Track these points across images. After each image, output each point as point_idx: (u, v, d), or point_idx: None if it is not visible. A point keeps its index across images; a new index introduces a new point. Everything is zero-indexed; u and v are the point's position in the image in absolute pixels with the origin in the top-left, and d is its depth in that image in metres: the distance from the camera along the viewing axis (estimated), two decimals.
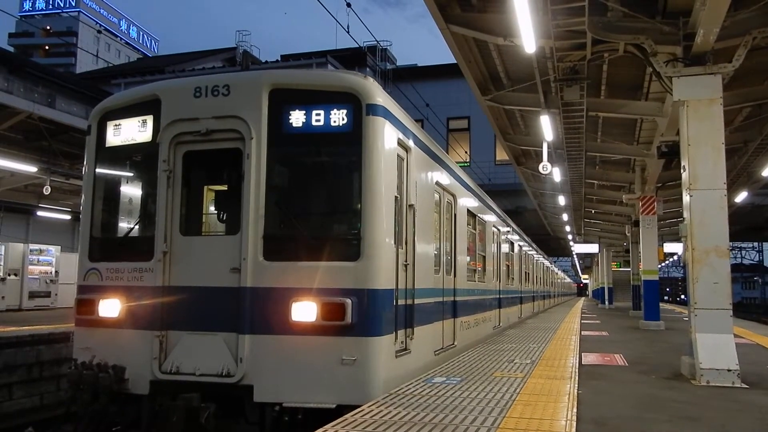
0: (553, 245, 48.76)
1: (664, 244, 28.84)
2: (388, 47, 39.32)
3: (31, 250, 20.77)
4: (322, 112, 5.97)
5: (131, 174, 7.09)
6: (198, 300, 5.99)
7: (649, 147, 14.55)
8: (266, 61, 35.16)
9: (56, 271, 21.23)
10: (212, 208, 6.92)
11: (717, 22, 6.97)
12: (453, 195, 9.45)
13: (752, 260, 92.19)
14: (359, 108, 5.91)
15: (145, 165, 6.64)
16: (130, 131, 6.64)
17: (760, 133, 13.03)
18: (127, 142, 6.66)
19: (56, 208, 22.46)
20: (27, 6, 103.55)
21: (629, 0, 8.35)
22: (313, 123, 5.98)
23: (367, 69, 33.34)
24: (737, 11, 7.88)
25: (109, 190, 7.01)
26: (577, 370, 7.75)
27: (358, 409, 5.11)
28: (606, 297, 38.08)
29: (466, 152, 32.67)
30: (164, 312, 6.03)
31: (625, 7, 8.28)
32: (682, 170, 7.71)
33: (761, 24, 7.96)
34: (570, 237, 38.11)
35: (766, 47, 9.23)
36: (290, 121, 6.03)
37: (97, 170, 6.86)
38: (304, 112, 6.01)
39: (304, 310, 5.63)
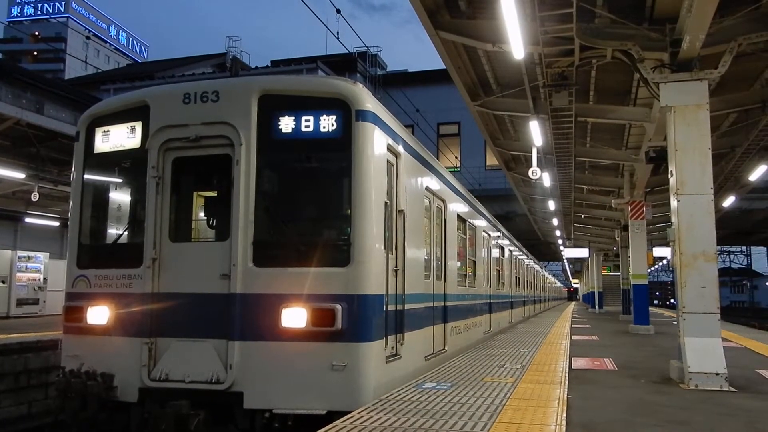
0: (543, 250, 49.00)
1: (653, 249, 28.97)
2: (379, 53, 39.47)
3: (19, 257, 20.57)
4: (311, 118, 5.98)
5: (120, 180, 7.06)
6: (187, 306, 5.96)
7: (638, 152, 14.64)
8: (256, 67, 35.12)
9: (45, 278, 21.04)
10: (202, 214, 6.90)
11: (703, 29, 7.04)
12: (443, 200, 9.47)
13: (740, 264, 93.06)
14: (349, 114, 5.92)
15: (133, 171, 6.60)
16: (119, 137, 6.62)
17: (746, 138, 13.13)
18: (116, 149, 6.64)
19: (45, 215, 22.31)
20: (15, 11, 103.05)
21: (617, 6, 8.43)
22: (303, 129, 5.99)
23: (358, 75, 33.40)
24: (723, 18, 7.96)
25: (98, 197, 6.98)
26: (566, 375, 7.77)
27: (349, 415, 5.10)
28: (596, 301, 38.22)
29: (456, 157, 32.76)
30: (153, 319, 6.01)
31: (613, 14, 8.35)
32: (669, 175, 7.77)
33: (746, 31, 8.06)
34: (560, 241, 38.25)
35: (752, 53, 9.35)
36: (280, 127, 6.03)
37: (86, 177, 6.83)
38: (293, 117, 6.01)
39: (294, 316, 5.62)
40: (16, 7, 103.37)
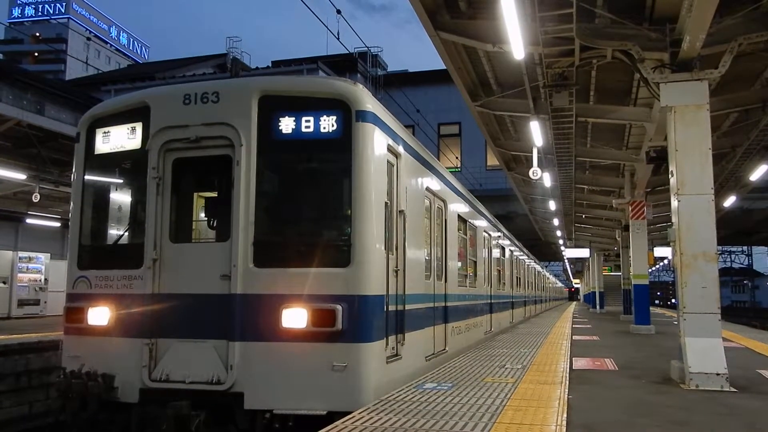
0: (544, 250, 48.95)
1: (654, 249, 28.97)
2: (379, 53, 39.47)
3: (20, 258, 20.61)
4: (311, 118, 5.98)
5: (120, 181, 7.07)
6: (188, 307, 5.97)
7: (638, 152, 14.64)
8: (257, 68, 35.12)
9: (45, 279, 21.07)
10: (202, 215, 6.91)
11: (703, 29, 7.04)
12: (443, 200, 9.47)
13: (741, 264, 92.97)
14: (349, 114, 5.93)
15: (134, 172, 6.62)
16: (119, 138, 6.63)
17: (747, 138, 13.12)
18: (116, 150, 6.65)
19: (46, 216, 22.33)
20: (16, 13, 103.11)
21: (617, 7, 8.43)
22: (303, 129, 5.99)
23: (358, 75, 33.41)
24: (723, 18, 7.95)
25: (98, 198, 6.99)
26: (567, 375, 7.77)
27: (349, 416, 5.10)
28: (597, 301, 38.20)
29: (457, 158, 32.76)
30: (154, 319, 6.01)
31: (613, 14, 8.35)
32: (670, 175, 7.76)
33: (746, 30, 8.05)
34: (561, 242, 38.23)
35: (752, 53, 9.34)
36: (280, 128, 6.04)
37: (86, 178, 6.84)
38: (293, 118, 6.02)
39: (295, 317, 5.63)
40: (16, 8, 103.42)
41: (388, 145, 6.53)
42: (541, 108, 12.32)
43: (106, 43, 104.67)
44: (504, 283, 18.09)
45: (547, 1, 8.43)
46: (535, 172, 15.76)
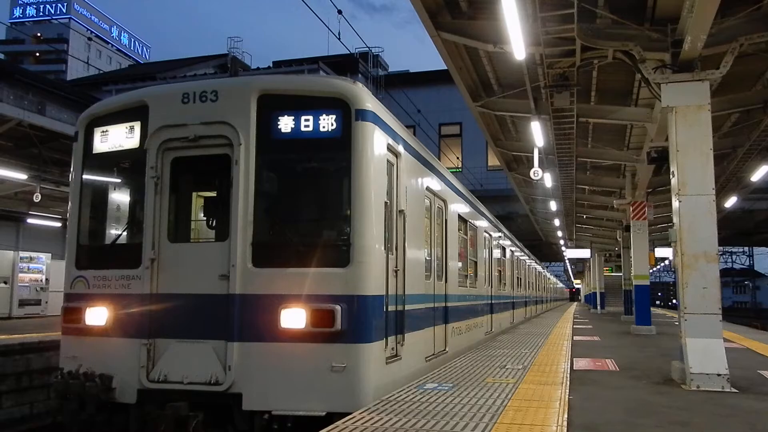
0: (545, 250, 48.94)
1: (655, 249, 28.92)
2: (380, 53, 39.49)
3: (21, 258, 20.62)
4: (311, 117, 5.96)
5: (119, 181, 7.04)
6: (186, 307, 5.94)
7: (639, 153, 14.61)
8: (258, 68, 35.14)
9: (47, 279, 21.08)
10: (201, 215, 6.88)
11: (704, 29, 7.01)
12: (444, 200, 9.45)
13: (743, 264, 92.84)
14: (348, 113, 5.90)
15: (132, 171, 6.58)
16: (118, 137, 6.61)
17: (748, 139, 13.08)
18: (115, 149, 6.62)
19: (47, 216, 22.31)
20: (17, 13, 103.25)
21: (618, 7, 8.41)
22: (302, 129, 5.97)
23: (359, 75, 33.40)
24: (724, 18, 7.93)
25: (97, 197, 6.96)
26: (568, 376, 7.75)
27: (349, 417, 5.08)
28: (598, 302, 38.18)
29: (458, 158, 32.75)
30: (152, 320, 5.99)
31: (614, 14, 8.33)
32: (671, 176, 7.74)
33: (748, 31, 8.02)
34: (562, 242, 38.20)
35: (754, 54, 9.32)
36: (279, 127, 6.01)
37: (84, 177, 6.81)
38: (292, 117, 5.99)
39: (294, 317, 5.60)
40: (18, 8, 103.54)
41: (388, 144, 6.50)
42: (542, 108, 12.29)
43: (108, 43, 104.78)
44: (504, 284, 18.07)
45: (548, 1, 8.40)
46: (536, 172, 15.74)
